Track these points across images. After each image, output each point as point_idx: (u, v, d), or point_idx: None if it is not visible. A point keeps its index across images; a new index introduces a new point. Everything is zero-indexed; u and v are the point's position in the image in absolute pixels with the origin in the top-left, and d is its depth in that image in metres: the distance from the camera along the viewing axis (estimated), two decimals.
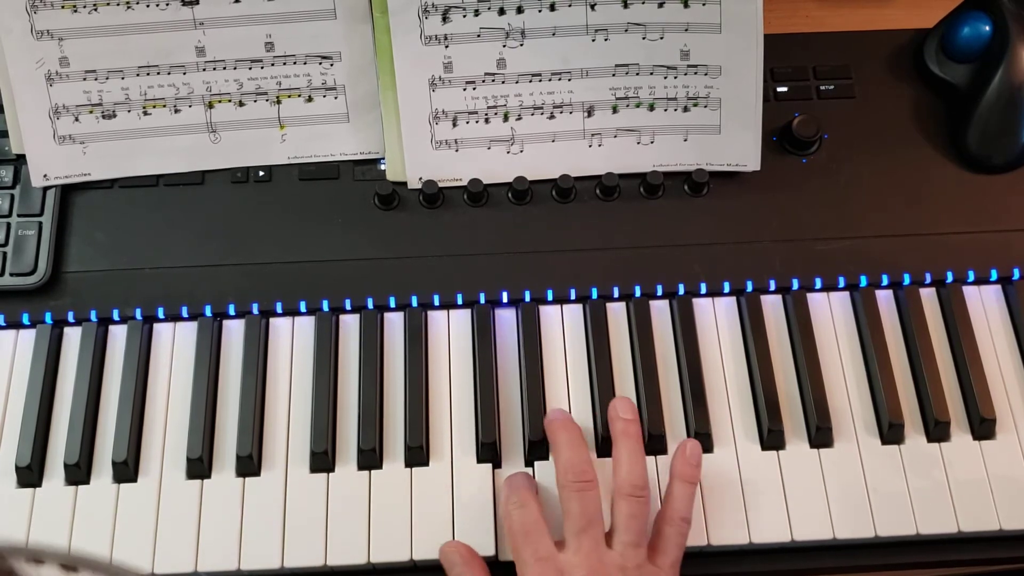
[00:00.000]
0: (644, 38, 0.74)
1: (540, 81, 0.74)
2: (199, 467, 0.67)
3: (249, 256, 0.74)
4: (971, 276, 0.74)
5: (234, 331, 0.72)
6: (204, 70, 0.74)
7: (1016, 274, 0.74)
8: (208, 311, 0.72)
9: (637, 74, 0.74)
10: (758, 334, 0.71)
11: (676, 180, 0.76)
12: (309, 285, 0.73)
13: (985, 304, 0.74)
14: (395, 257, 0.74)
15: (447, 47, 0.73)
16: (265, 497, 0.67)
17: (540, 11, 0.73)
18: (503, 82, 0.74)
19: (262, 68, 0.74)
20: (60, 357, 0.71)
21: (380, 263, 0.74)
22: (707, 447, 0.68)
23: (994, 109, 0.76)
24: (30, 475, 0.67)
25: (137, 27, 0.73)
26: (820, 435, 0.68)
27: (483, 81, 0.74)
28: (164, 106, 0.75)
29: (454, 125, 0.75)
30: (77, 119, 0.74)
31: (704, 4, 0.73)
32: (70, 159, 0.75)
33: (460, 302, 0.73)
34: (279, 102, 0.75)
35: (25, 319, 0.72)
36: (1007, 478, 0.67)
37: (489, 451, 0.68)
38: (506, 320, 0.73)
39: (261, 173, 0.76)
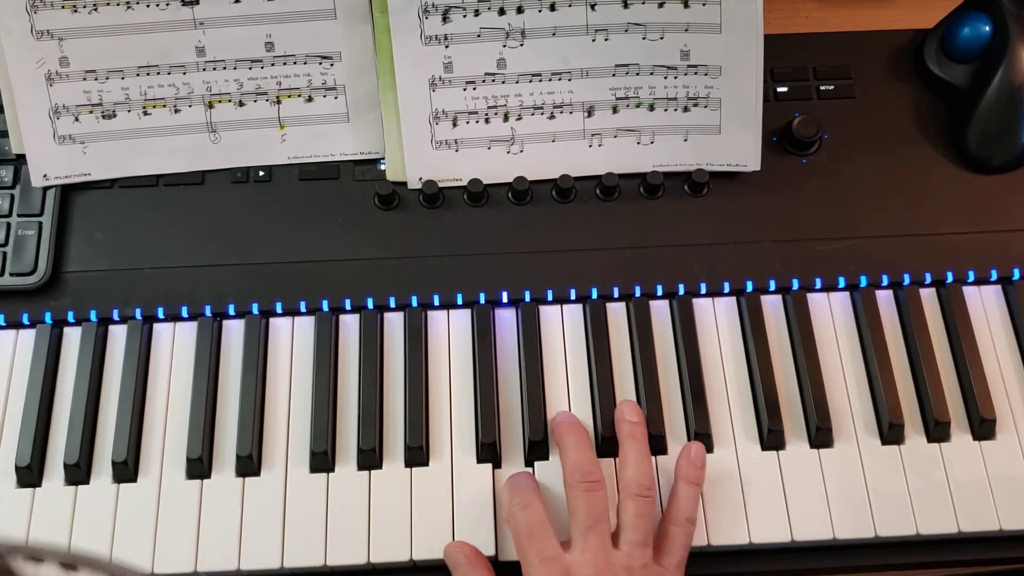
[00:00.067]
0: (644, 38, 0.74)
1: (540, 81, 0.74)
2: (199, 467, 0.67)
3: (249, 256, 0.74)
4: (971, 276, 0.74)
5: (234, 331, 0.72)
6: (204, 70, 0.74)
7: (1016, 274, 0.74)
8: (208, 311, 0.72)
9: (637, 74, 0.74)
10: (758, 334, 0.71)
11: (676, 180, 0.76)
12: (309, 285, 0.73)
13: (985, 304, 0.74)
14: (395, 257, 0.74)
15: (447, 47, 0.73)
16: (265, 497, 0.67)
17: (540, 11, 0.73)
18: (503, 82, 0.74)
19: (262, 68, 0.74)
20: (60, 357, 0.71)
21: (380, 263, 0.74)
22: (707, 447, 0.68)
23: (994, 109, 0.76)
24: (30, 475, 0.67)
25: (137, 27, 0.73)
26: (820, 435, 0.68)
27: (483, 81, 0.74)
28: (164, 106, 0.75)
29: (454, 125, 0.75)
30: (77, 119, 0.74)
31: (704, 4, 0.73)
32: (70, 159, 0.75)
33: (460, 302, 0.73)
34: (279, 102, 0.75)
35: (25, 319, 0.72)
36: (1007, 478, 0.67)
37: (489, 451, 0.68)
38: (506, 320, 0.73)
39: (261, 173, 0.76)
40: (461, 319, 0.73)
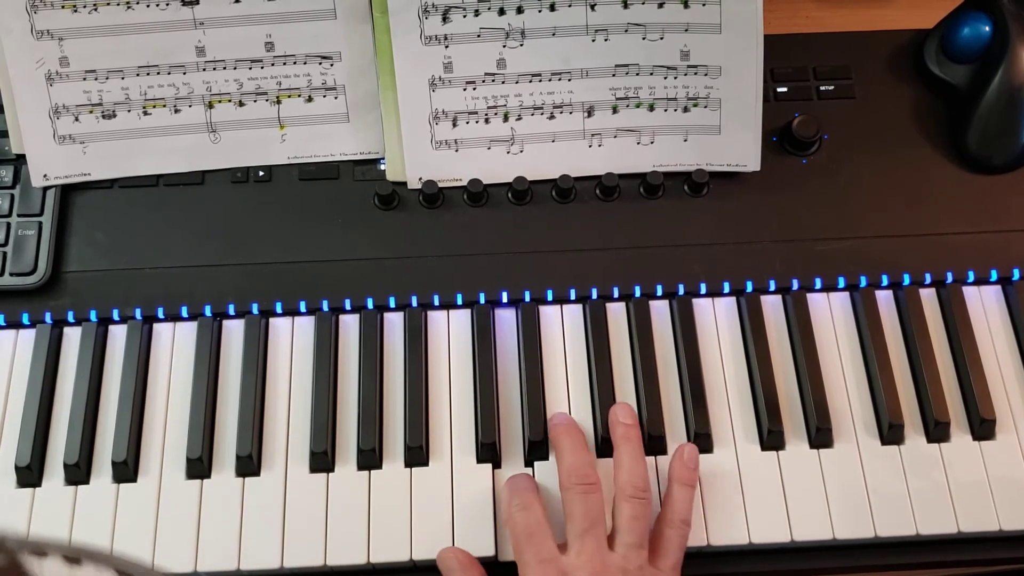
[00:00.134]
0: (644, 38, 0.74)
1: (540, 81, 0.74)
2: (199, 467, 0.67)
3: (249, 256, 0.74)
4: (971, 276, 0.74)
5: (234, 331, 0.72)
6: (204, 70, 0.74)
7: (1016, 274, 0.74)
8: (208, 311, 0.72)
9: (637, 74, 0.74)
10: (758, 334, 0.71)
11: (676, 180, 0.76)
12: (309, 285, 0.73)
13: (985, 305, 0.74)
14: (395, 257, 0.74)
15: (447, 47, 0.73)
16: (265, 497, 0.67)
17: (540, 11, 0.73)
18: (503, 82, 0.74)
19: (262, 68, 0.74)
20: (60, 357, 0.71)
21: (380, 263, 0.74)
22: (707, 447, 0.68)
23: (994, 109, 0.76)
24: (30, 475, 0.67)
25: (137, 27, 0.73)
26: (820, 435, 0.68)
27: (483, 81, 0.74)
28: (164, 106, 0.75)
29: (454, 125, 0.75)
30: (77, 119, 0.74)
31: (704, 4, 0.73)
32: (70, 159, 0.75)
33: (460, 302, 0.73)
34: (279, 102, 0.75)
35: (25, 319, 0.72)
36: (1007, 479, 0.67)
37: (489, 451, 0.68)
38: (506, 320, 0.73)
39: (261, 173, 0.76)
40: (461, 319, 0.73)
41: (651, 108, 0.75)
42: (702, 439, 0.68)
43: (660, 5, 0.73)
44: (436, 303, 0.73)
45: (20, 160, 0.75)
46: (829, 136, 0.78)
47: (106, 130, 0.75)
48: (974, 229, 0.75)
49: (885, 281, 0.73)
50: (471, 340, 0.72)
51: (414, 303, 0.72)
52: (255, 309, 0.72)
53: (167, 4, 0.72)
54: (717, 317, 0.73)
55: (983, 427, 0.69)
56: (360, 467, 0.68)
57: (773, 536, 0.66)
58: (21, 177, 0.75)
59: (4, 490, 0.67)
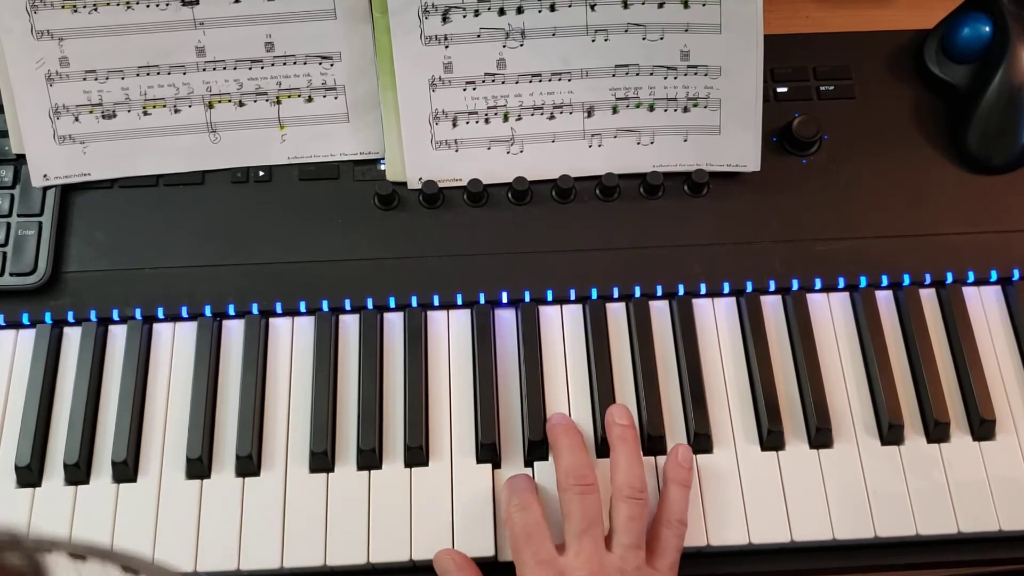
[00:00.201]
0: (644, 38, 0.74)
1: (540, 81, 0.74)
2: (199, 467, 0.67)
3: (249, 256, 0.74)
4: (971, 277, 0.74)
5: (234, 331, 0.72)
6: (204, 70, 0.74)
7: (1016, 275, 0.74)
8: (208, 311, 0.72)
9: (637, 74, 0.74)
10: (758, 335, 0.71)
11: (676, 180, 0.76)
12: (309, 285, 0.73)
13: (985, 305, 0.74)
14: (395, 257, 0.74)
15: (447, 47, 0.73)
16: (265, 497, 0.67)
17: (540, 11, 0.73)
18: (503, 82, 0.74)
19: (262, 68, 0.74)
20: (60, 357, 0.71)
21: (380, 263, 0.74)
22: (707, 448, 0.68)
23: (994, 110, 0.76)
24: (30, 475, 0.67)
25: (137, 27, 0.73)
26: (820, 436, 0.68)
27: (483, 81, 0.74)
28: (164, 106, 0.75)
29: (454, 125, 0.75)
30: (77, 119, 0.74)
31: (704, 4, 0.73)
32: (70, 159, 0.75)
33: (460, 302, 0.73)
34: (279, 102, 0.75)
35: (25, 319, 0.72)
36: (1007, 479, 0.67)
37: (489, 451, 0.68)
38: (506, 320, 0.73)
39: (261, 173, 0.76)
40: (461, 319, 0.73)
41: (651, 108, 0.75)
42: (702, 439, 0.68)
43: (660, 5, 0.73)
44: (436, 303, 0.73)
45: (20, 160, 0.75)
46: (829, 136, 0.78)
47: (106, 130, 0.75)
48: (974, 229, 0.75)
49: (885, 281, 0.73)
50: (471, 340, 0.72)
51: (414, 303, 0.72)
52: (255, 309, 0.72)
53: (167, 4, 0.72)
54: (717, 317, 0.73)
55: (983, 427, 0.69)
56: (360, 467, 0.68)
57: (773, 536, 0.66)
58: (21, 177, 0.75)
59: (4, 490, 0.67)
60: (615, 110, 0.75)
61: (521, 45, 0.74)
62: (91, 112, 0.74)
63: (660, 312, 0.73)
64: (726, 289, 0.73)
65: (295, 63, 0.75)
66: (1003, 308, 0.74)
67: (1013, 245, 0.74)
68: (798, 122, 0.77)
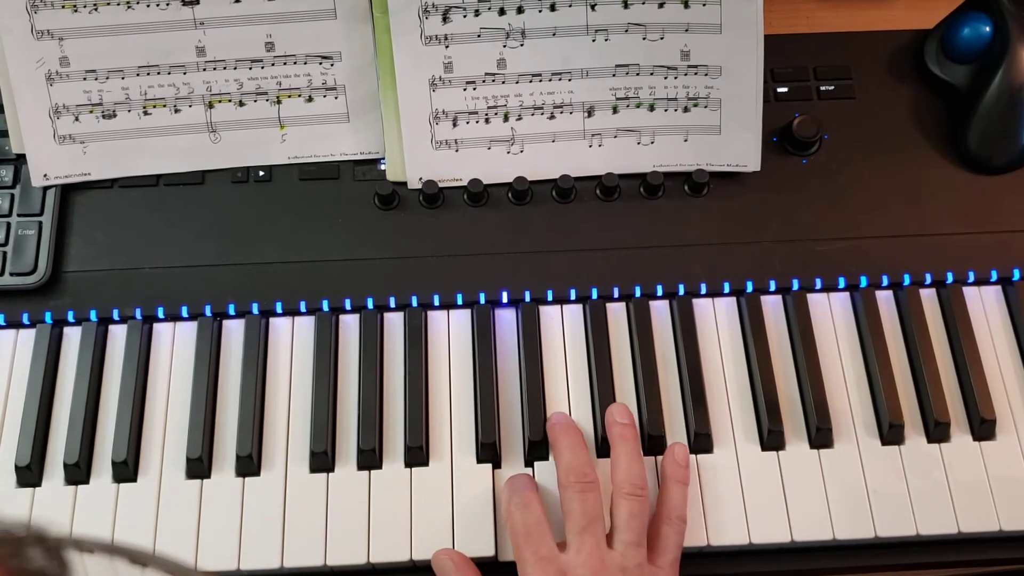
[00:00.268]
0: (644, 38, 0.74)
1: (540, 81, 0.74)
2: (199, 467, 0.67)
3: (249, 256, 0.74)
4: (971, 277, 0.74)
5: (234, 331, 0.72)
6: (204, 70, 0.74)
7: (1016, 275, 0.74)
8: (208, 311, 0.72)
9: (637, 74, 0.74)
10: (758, 335, 0.71)
11: (676, 180, 0.76)
12: (309, 285, 0.73)
13: (985, 305, 0.74)
14: (395, 257, 0.74)
15: (447, 47, 0.73)
16: (265, 497, 0.67)
17: (540, 11, 0.73)
18: (503, 82, 0.74)
19: (262, 68, 0.74)
20: (60, 357, 0.71)
21: (380, 263, 0.74)
22: (707, 447, 0.68)
23: (994, 110, 0.76)
24: (30, 475, 0.67)
25: (137, 27, 0.73)
26: (820, 436, 0.68)
27: (483, 81, 0.74)
28: (164, 106, 0.75)
29: (454, 125, 0.75)
30: (77, 119, 0.74)
31: (704, 4, 0.73)
32: (70, 159, 0.75)
33: (460, 302, 0.73)
34: (279, 102, 0.75)
35: (25, 319, 0.72)
36: (1007, 479, 0.67)
37: (489, 451, 0.68)
38: (506, 320, 0.73)
39: (261, 173, 0.76)
40: (461, 319, 0.73)
41: (651, 108, 0.75)
42: (702, 439, 0.68)
43: (660, 5, 0.73)
44: (436, 303, 0.73)
45: (20, 160, 0.75)
46: (829, 136, 0.78)
47: (106, 130, 0.75)
48: (974, 229, 0.75)
49: (885, 281, 0.73)
50: (471, 340, 0.72)
51: (414, 303, 0.72)
52: (255, 309, 0.72)
53: (167, 4, 0.72)
54: (717, 317, 0.73)
55: (983, 427, 0.69)
56: (360, 467, 0.68)
57: (773, 536, 0.66)
58: (21, 177, 0.75)
59: (4, 490, 0.67)
60: (615, 110, 0.75)
61: (521, 45, 0.74)
62: (91, 112, 0.74)
63: (660, 312, 0.73)
64: (726, 289, 0.73)
65: (295, 63, 0.75)
66: (1003, 308, 0.74)
67: (1013, 245, 0.74)
68: (798, 122, 0.77)
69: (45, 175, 0.75)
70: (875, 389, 0.70)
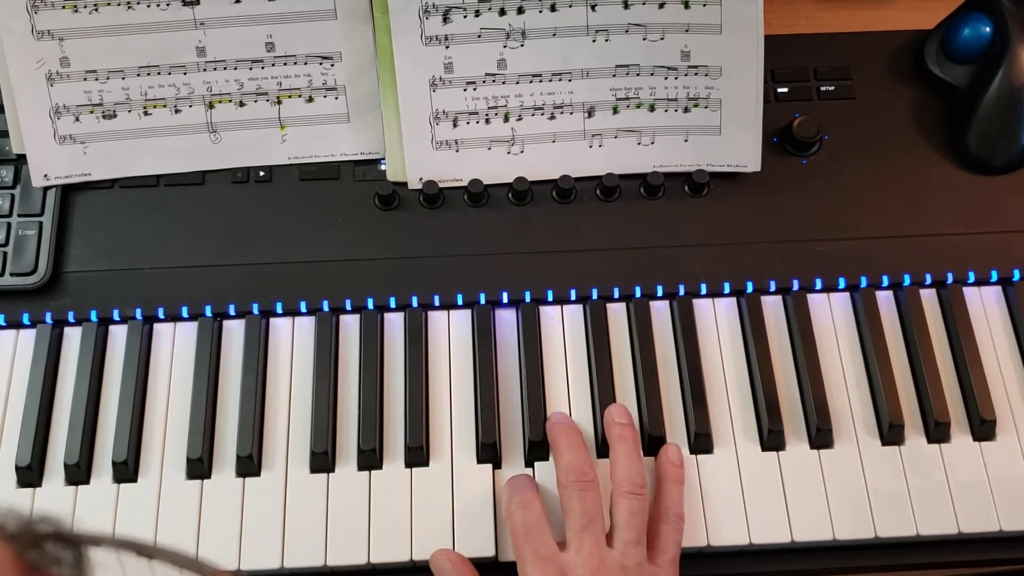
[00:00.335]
0: (645, 39, 0.74)
1: (540, 82, 0.74)
2: (199, 467, 0.67)
3: (249, 256, 0.74)
4: (971, 277, 0.74)
5: (234, 331, 0.72)
6: (205, 70, 0.74)
7: (1016, 275, 0.74)
8: (208, 311, 0.72)
9: (638, 75, 0.74)
10: (758, 335, 0.71)
11: (676, 181, 0.76)
12: (309, 285, 0.73)
13: (985, 305, 0.74)
14: (395, 257, 0.74)
15: (448, 47, 0.73)
16: (265, 497, 0.67)
17: (541, 12, 0.73)
18: (503, 83, 0.74)
19: (263, 68, 0.74)
20: (60, 357, 0.71)
21: (380, 263, 0.74)
22: (707, 448, 0.68)
23: (994, 110, 0.76)
24: (30, 475, 0.67)
25: (138, 27, 0.73)
26: (820, 436, 0.68)
27: (484, 81, 0.74)
28: (164, 106, 0.75)
29: (455, 125, 0.75)
30: (77, 119, 0.74)
31: (705, 5, 0.73)
32: (70, 159, 0.75)
33: (460, 302, 0.73)
34: (280, 102, 0.75)
35: (25, 319, 0.72)
36: (1007, 479, 0.67)
37: (489, 451, 0.68)
38: (506, 320, 0.73)
39: (261, 173, 0.76)
40: (461, 319, 0.73)
41: (651, 108, 0.75)
42: (702, 439, 0.68)
43: (661, 5, 0.73)
44: (436, 303, 0.73)
45: (20, 160, 0.75)
46: (829, 137, 0.78)
47: (106, 130, 0.75)
48: (974, 230, 0.75)
49: (885, 282, 0.73)
50: (471, 340, 0.72)
51: (414, 303, 0.72)
52: (255, 309, 0.72)
53: (168, 4, 0.72)
54: (717, 317, 0.73)
55: (983, 427, 0.69)
56: (360, 467, 0.68)
57: (773, 536, 0.66)
58: (21, 177, 0.75)
59: (4, 490, 0.67)
60: (616, 110, 0.75)
61: (522, 45, 0.74)
62: (91, 112, 0.74)
63: (661, 312, 0.73)
64: (727, 289, 0.73)
65: (296, 63, 0.75)
66: (1003, 308, 0.74)
67: (1013, 245, 0.74)
68: (798, 122, 0.77)
69: (45, 175, 0.75)
70: (875, 389, 0.70)
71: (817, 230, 0.75)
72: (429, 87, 0.74)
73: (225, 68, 0.74)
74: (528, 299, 0.73)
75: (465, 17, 0.73)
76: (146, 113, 0.75)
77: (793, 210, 0.75)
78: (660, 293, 0.73)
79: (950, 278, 0.74)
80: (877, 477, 0.67)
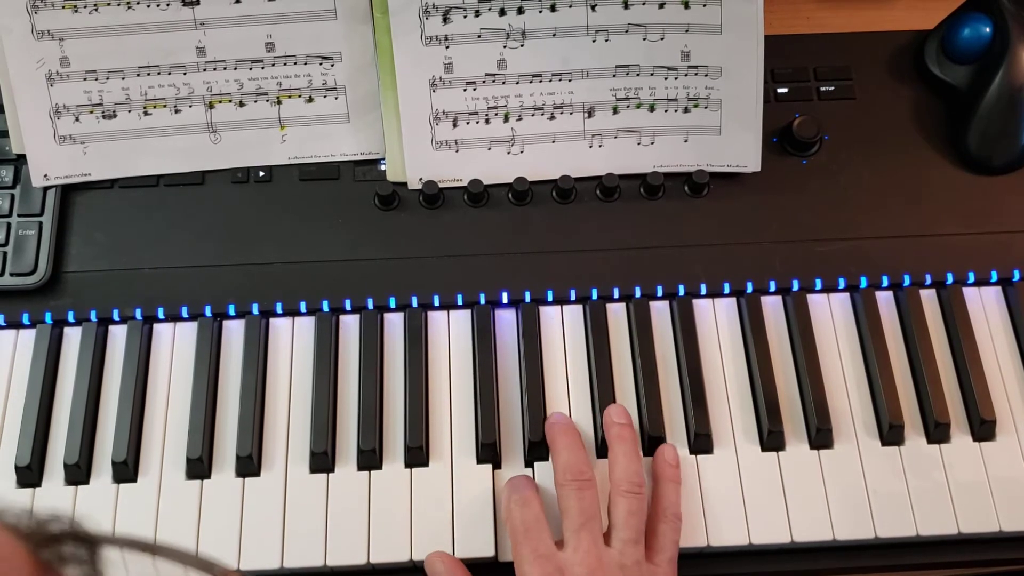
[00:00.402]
0: (645, 39, 0.74)
1: (540, 82, 0.74)
2: (199, 467, 0.67)
3: (249, 256, 0.74)
4: (971, 277, 0.74)
5: (234, 331, 0.72)
6: (205, 70, 0.74)
7: (1016, 276, 0.74)
8: (208, 311, 0.72)
9: (637, 75, 0.74)
10: (758, 335, 0.71)
11: (676, 181, 0.76)
12: (309, 285, 0.73)
13: (985, 306, 0.74)
14: (395, 257, 0.74)
15: (448, 48, 0.73)
16: (265, 497, 0.67)
17: (541, 12, 0.73)
18: (503, 83, 0.74)
19: (263, 68, 0.74)
20: (60, 357, 0.71)
21: (380, 263, 0.74)
22: (707, 448, 0.68)
23: (994, 110, 0.76)
24: (30, 475, 0.67)
25: (138, 27, 0.73)
26: (820, 436, 0.68)
27: (483, 82, 0.74)
28: (164, 106, 0.75)
29: (454, 126, 0.75)
30: (77, 119, 0.74)
31: (705, 5, 0.73)
32: (70, 159, 0.75)
33: (460, 302, 0.73)
34: (279, 102, 0.75)
35: (25, 319, 0.72)
36: (1007, 479, 0.67)
37: (489, 452, 0.68)
38: (506, 321, 0.73)
39: (261, 173, 0.76)
40: (461, 319, 0.73)
41: (651, 109, 0.75)
42: (702, 439, 0.68)
43: (661, 6, 0.73)
44: (436, 303, 0.73)
45: (20, 160, 0.75)
46: (829, 137, 0.78)
47: (106, 130, 0.75)
48: (974, 230, 0.75)
49: (885, 282, 0.73)
50: (471, 340, 0.72)
51: (414, 303, 0.72)
52: (255, 309, 0.72)
53: (167, 4, 0.72)
54: (717, 318, 0.73)
55: (983, 428, 0.69)
56: (360, 467, 0.68)
57: (773, 537, 0.66)
58: (21, 177, 0.75)
59: (4, 490, 0.67)
60: (615, 110, 0.75)
61: (522, 45, 0.74)
62: (91, 112, 0.74)
63: (660, 312, 0.73)
64: (726, 289, 0.73)
65: (295, 63, 0.75)
66: (1003, 309, 0.74)
67: (1013, 246, 0.74)
68: (798, 123, 0.77)
69: (45, 175, 0.75)
70: (875, 390, 0.70)
71: (817, 230, 0.75)
72: (429, 87, 0.74)
73: (225, 68, 0.74)
74: (528, 299, 0.73)
75: (465, 17, 0.73)
76: (146, 113, 0.75)
77: (793, 210, 0.75)
78: (660, 293, 0.73)
79: (950, 278, 0.74)
80: (877, 477, 0.67)
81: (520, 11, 0.73)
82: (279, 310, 0.72)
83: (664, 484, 0.65)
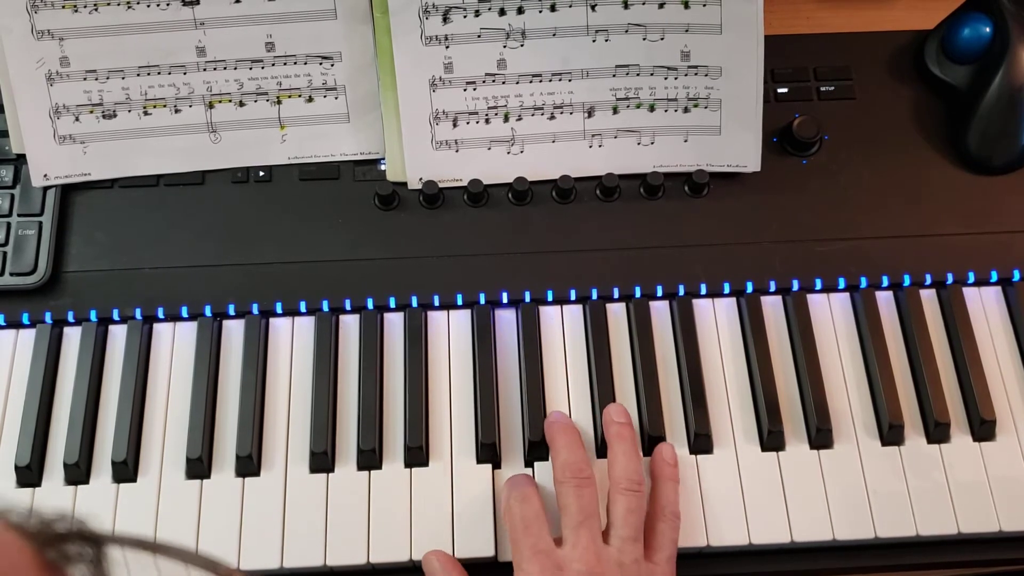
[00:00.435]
0: (644, 39, 0.74)
1: (540, 82, 0.74)
2: (199, 467, 0.67)
3: (249, 256, 0.74)
4: (971, 277, 0.74)
5: (234, 331, 0.72)
6: (204, 70, 0.74)
7: (1016, 276, 0.74)
8: (208, 311, 0.72)
9: (637, 75, 0.74)
10: (758, 335, 0.71)
11: (676, 181, 0.76)
12: (309, 285, 0.73)
13: (985, 306, 0.74)
14: (395, 257, 0.74)
15: (447, 47, 0.73)
16: (265, 497, 0.67)
17: (541, 12, 0.73)
18: (503, 83, 0.74)
19: (262, 68, 0.74)
20: (60, 357, 0.71)
21: (380, 263, 0.74)
22: (707, 448, 0.68)
23: (994, 110, 0.76)
24: (29, 475, 0.67)
25: (138, 27, 0.73)
26: (820, 436, 0.68)
27: (483, 82, 0.74)
28: (164, 106, 0.75)
29: (454, 125, 0.75)
30: (77, 119, 0.74)
31: (705, 5, 0.73)
32: (70, 159, 0.75)
33: (460, 302, 0.73)
34: (279, 102, 0.75)
35: (25, 319, 0.72)
36: (1007, 479, 0.67)
37: (489, 452, 0.68)
38: (506, 320, 0.73)
39: (261, 173, 0.76)
40: (461, 319, 0.73)
41: (651, 109, 0.75)
42: (702, 439, 0.68)
43: (661, 5, 0.73)
44: (436, 303, 0.73)
45: (20, 160, 0.75)
46: (829, 137, 0.78)
47: (106, 130, 0.75)
48: (974, 230, 0.75)
49: (885, 282, 0.73)
50: (471, 340, 0.72)
51: (414, 303, 0.72)
52: (255, 309, 0.72)
53: (167, 4, 0.72)
54: (717, 318, 0.73)
55: (983, 428, 0.69)
56: (360, 467, 0.68)
57: (773, 537, 0.66)
58: (21, 177, 0.75)
59: (4, 490, 0.67)
60: (615, 110, 0.75)
61: (521, 45, 0.74)
62: (91, 112, 0.74)
63: (660, 312, 0.73)
64: (726, 289, 0.73)
65: (295, 63, 0.75)
66: (1003, 309, 0.74)
67: (1013, 246, 0.74)
68: (798, 122, 0.77)
69: (45, 175, 0.75)
70: (875, 390, 0.70)
71: (817, 230, 0.75)
72: (429, 87, 0.74)
73: (225, 68, 0.74)
74: (528, 299, 0.73)
75: (465, 17, 0.73)
76: (146, 113, 0.75)
77: (793, 210, 0.75)
78: (660, 293, 0.73)
79: (950, 278, 0.74)
80: (877, 477, 0.67)
81: (520, 11, 0.73)
82: (279, 310, 0.72)
83: (663, 483, 0.65)
